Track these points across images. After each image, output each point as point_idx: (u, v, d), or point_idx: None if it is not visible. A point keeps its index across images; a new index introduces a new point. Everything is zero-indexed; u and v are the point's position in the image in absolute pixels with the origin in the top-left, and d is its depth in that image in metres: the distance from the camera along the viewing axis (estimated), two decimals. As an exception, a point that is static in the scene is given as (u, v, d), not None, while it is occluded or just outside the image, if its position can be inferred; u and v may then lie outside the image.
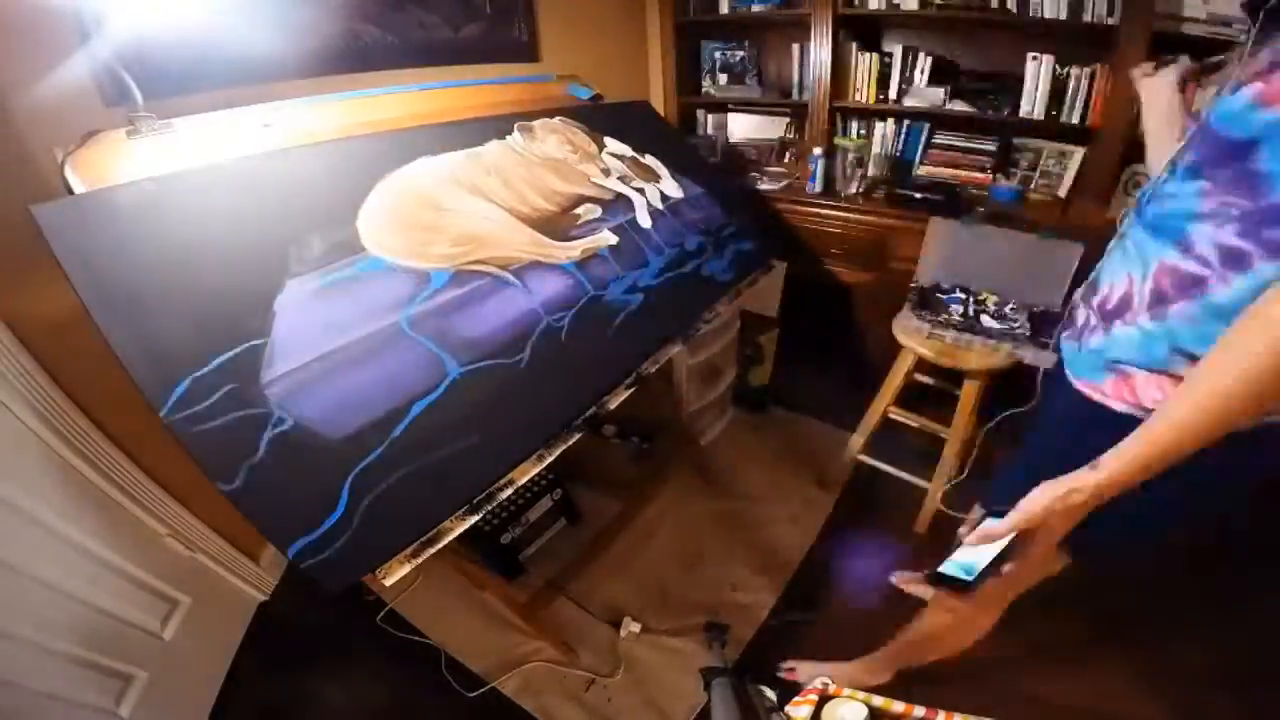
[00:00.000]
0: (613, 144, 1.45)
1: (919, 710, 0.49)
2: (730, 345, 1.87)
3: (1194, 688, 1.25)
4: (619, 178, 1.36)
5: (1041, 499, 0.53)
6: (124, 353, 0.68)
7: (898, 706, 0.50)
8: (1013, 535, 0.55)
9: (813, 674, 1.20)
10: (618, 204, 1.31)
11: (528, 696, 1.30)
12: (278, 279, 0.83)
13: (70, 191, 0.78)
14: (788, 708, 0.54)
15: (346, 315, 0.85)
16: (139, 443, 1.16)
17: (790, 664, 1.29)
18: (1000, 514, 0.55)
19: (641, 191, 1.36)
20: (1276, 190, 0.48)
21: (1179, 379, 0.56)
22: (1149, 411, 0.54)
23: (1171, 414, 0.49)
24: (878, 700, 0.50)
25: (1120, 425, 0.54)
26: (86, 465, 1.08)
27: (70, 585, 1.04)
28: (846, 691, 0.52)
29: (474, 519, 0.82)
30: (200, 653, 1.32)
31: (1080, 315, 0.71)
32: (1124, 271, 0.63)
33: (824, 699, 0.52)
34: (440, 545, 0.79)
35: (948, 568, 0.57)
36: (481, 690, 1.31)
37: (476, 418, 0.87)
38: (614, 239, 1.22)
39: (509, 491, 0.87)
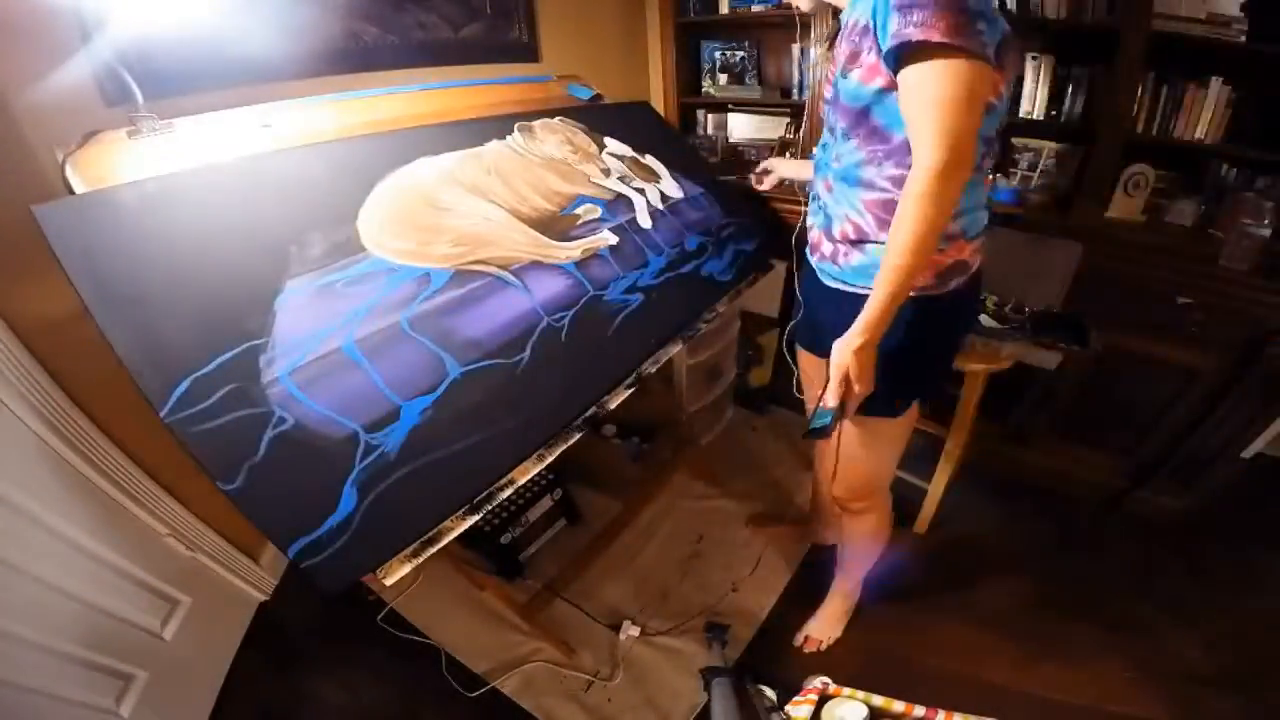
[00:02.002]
0: (613, 144, 1.45)
1: (919, 710, 0.49)
2: (730, 345, 1.87)
3: (1194, 686, 1.25)
4: (619, 178, 1.36)
5: (841, 353, 0.80)
6: (125, 353, 0.68)
7: (898, 706, 0.50)
8: (838, 386, 0.81)
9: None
10: (618, 204, 1.31)
11: (528, 696, 1.30)
12: (278, 279, 0.83)
13: (71, 191, 0.78)
14: (788, 707, 0.55)
15: (347, 315, 0.85)
16: (139, 443, 1.16)
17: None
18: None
19: (641, 192, 1.36)
20: (893, 135, 0.77)
21: None
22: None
23: (881, 285, 0.76)
24: (878, 700, 0.51)
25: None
26: (86, 465, 1.08)
27: (70, 585, 1.04)
28: (846, 691, 0.52)
29: (474, 519, 0.82)
30: (200, 653, 1.32)
31: (826, 246, 0.94)
32: (843, 211, 0.89)
33: (824, 699, 0.53)
34: (440, 545, 0.79)
35: (813, 423, 0.86)
36: (482, 690, 1.31)
37: (477, 417, 0.87)
38: (614, 239, 1.22)
39: (509, 491, 0.87)
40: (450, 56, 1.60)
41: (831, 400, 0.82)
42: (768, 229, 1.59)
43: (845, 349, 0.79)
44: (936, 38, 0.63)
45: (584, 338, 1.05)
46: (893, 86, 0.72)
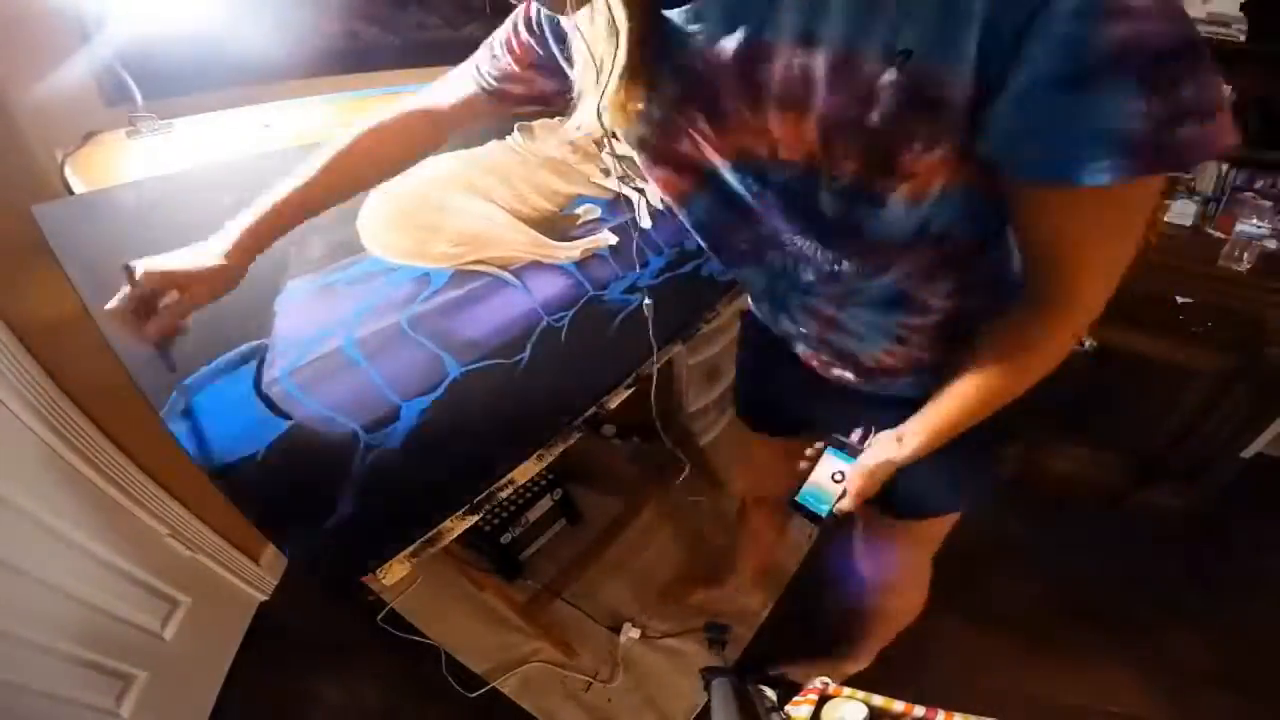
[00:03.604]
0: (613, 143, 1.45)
1: (919, 710, 0.49)
2: (730, 345, 1.87)
3: (1193, 686, 1.25)
4: (619, 178, 1.36)
5: (871, 475, 0.59)
6: (125, 352, 0.68)
7: (898, 706, 0.50)
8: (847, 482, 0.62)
9: (806, 673, 1.23)
10: (618, 204, 1.31)
11: (528, 696, 1.30)
12: (278, 279, 0.83)
13: (71, 191, 0.79)
14: (788, 707, 0.54)
15: (347, 315, 0.85)
16: (139, 443, 1.16)
17: (783, 669, 1.30)
18: (839, 446, 0.63)
19: (641, 191, 1.36)
20: (960, 236, 0.50)
21: None
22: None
23: (965, 404, 0.54)
24: (878, 700, 0.50)
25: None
26: (86, 465, 1.08)
27: (70, 585, 1.04)
28: (846, 691, 0.52)
29: (474, 519, 0.82)
30: (200, 653, 1.32)
31: (840, 372, 0.70)
32: (869, 349, 0.65)
33: (824, 699, 0.52)
34: (440, 545, 0.79)
35: (805, 499, 0.65)
36: (482, 690, 1.31)
37: (477, 417, 0.87)
38: (614, 239, 1.22)
39: (509, 491, 0.87)
40: (450, 56, 1.58)
41: (848, 505, 0.63)
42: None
43: (887, 466, 0.58)
44: (1228, 140, 0.34)
45: (584, 338, 1.05)
46: (974, 178, 0.42)
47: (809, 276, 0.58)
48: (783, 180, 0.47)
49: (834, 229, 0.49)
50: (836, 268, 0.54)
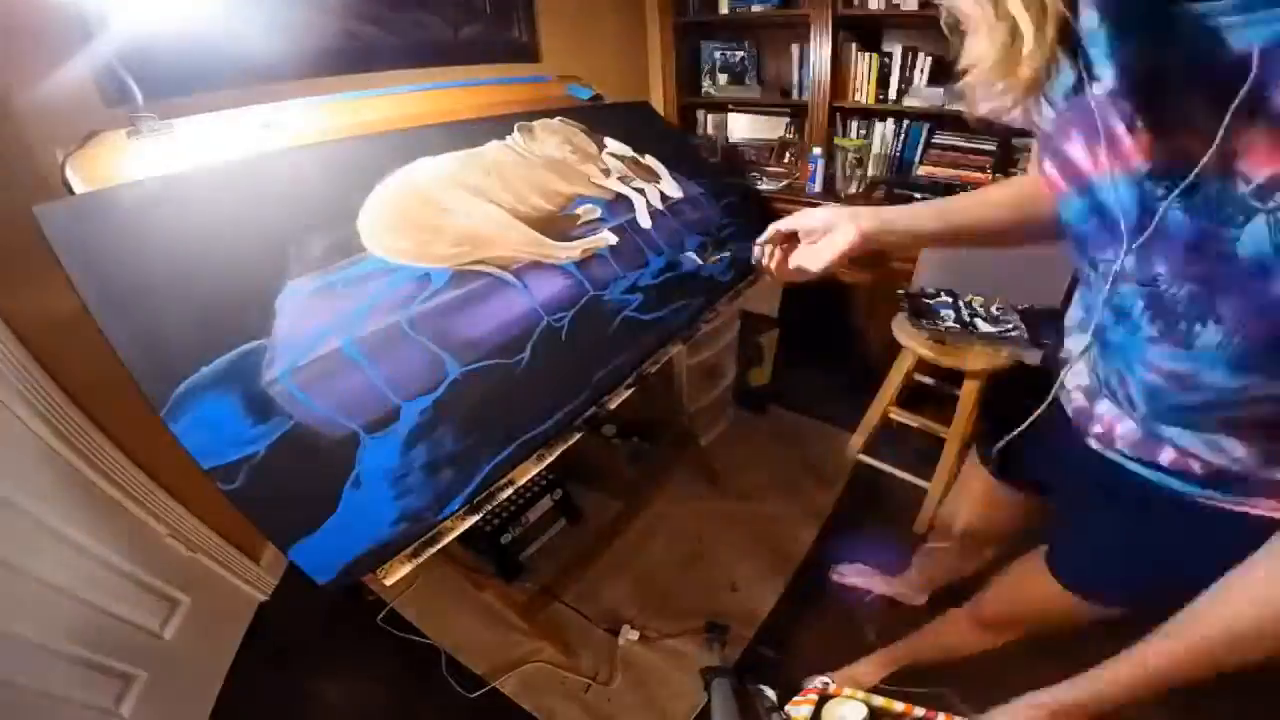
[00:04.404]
0: (613, 144, 1.45)
1: (919, 710, 0.49)
2: (730, 345, 1.87)
3: (1193, 686, 1.25)
4: (619, 178, 1.36)
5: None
6: (125, 352, 0.68)
7: (898, 706, 0.50)
8: None
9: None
10: (618, 204, 1.31)
11: (527, 696, 1.30)
12: (278, 279, 0.83)
13: (71, 192, 0.78)
14: (788, 707, 0.54)
15: (347, 315, 0.85)
16: (139, 443, 1.16)
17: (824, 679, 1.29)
18: None
19: (641, 192, 1.36)
20: None
21: None
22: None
23: (1153, 663, 0.48)
24: (878, 700, 0.51)
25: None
26: (86, 465, 1.08)
27: (70, 585, 1.04)
28: (846, 691, 0.52)
29: (474, 519, 0.82)
30: (200, 653, 1.32)
31: (1131, 438, 0.62)
32: (1182, 439, 0.56)
33: (824, 699, 0.52)
34: (440, 545, 0.79)
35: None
36: (482, 690, 1.31)
37: (477, 417, 0.87)
38: (614, 239, 1.22)
39: (509, 491, 0.87)
40: (450, 56, 1.60)
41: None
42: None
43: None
44: None
45: (584, 338, 1.05)
46: None
47: (1150, 330, 0.49)
48: (1212, 198, 0.38)
49: (1233, 277, 0.39)
50: (1193, 326, 0.44)
